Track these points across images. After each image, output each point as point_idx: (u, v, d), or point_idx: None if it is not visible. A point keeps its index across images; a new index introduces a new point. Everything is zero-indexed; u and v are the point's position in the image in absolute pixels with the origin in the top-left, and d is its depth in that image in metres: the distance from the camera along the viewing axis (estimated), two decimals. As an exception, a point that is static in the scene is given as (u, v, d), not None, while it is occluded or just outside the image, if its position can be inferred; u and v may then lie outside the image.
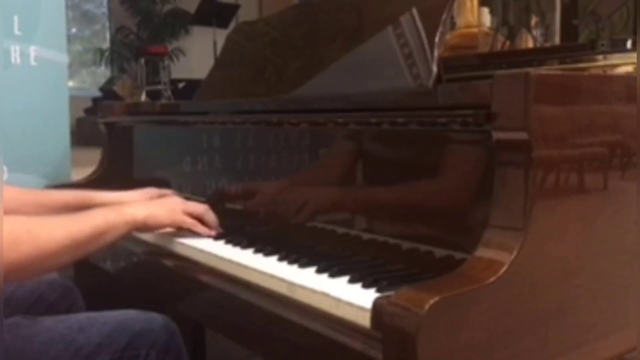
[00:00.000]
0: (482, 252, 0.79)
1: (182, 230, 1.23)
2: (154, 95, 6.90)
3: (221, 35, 4.74)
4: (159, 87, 7.05)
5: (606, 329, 0.90)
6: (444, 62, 1.09)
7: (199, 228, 1.21)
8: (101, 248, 1.09)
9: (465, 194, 0.92)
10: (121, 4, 8.26)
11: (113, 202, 1.27)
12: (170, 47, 7.99)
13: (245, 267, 1.02)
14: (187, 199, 1.35)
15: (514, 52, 1.97)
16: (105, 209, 1.14)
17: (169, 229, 1.24)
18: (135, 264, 1.35)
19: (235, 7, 6.47)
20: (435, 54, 1.07)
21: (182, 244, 1.20)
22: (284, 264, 1.01)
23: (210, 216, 1.23)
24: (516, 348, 0.78)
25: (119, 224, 1.10)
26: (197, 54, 7.67)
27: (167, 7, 8.35)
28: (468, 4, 2.12)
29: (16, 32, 1.76)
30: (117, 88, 7.28)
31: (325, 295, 0.86)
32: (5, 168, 1.69)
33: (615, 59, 1.47)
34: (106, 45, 8.52)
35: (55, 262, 1.01)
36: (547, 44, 2.06)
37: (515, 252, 0.76)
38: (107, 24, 8.62)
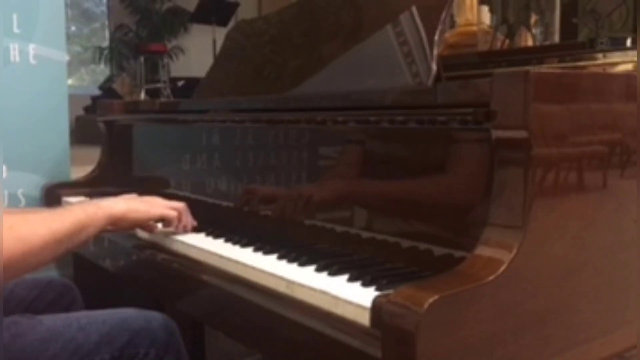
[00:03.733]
0: (482, 251, 0.79)
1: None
2: (153, 94, 6.90)
3: (220, 33, 4.75)
4: (158, 85, 7.05)
5: (606, 327, 0.90)
6: (443, 61, 1.09)
7: (177, 221, 1.22)
8: (81, 243, 1.08)
9: (465, 192, 0.92)
10: (120, 2, 8.24)
11: None
12: (169, 45, 7.98)
13: (245, 266, 1.02)
14: (186, 197, 1.35)
15: (513, 50, 1.97)
16: (84, 203, 1.14)
17: (168, 228, 1.24)
18: (134, 263, 1.35)
19: (234, 5, 6.46)
20: (435, 52, 1.07)
21: (182, 242, 1.20)
22: (284, 262, 1.01)
23: (188, 214, 1.25)
24: (515, 346, 0.78)
25: (99, 217, 1.10)
26: (196, 52, 7.67)
27: (166, 5, 8.34)
28: (468, 2, 2.12)
29: (15, 30, 1.75)
30: (116, 86, 7.28)
31: (324, 293, 0.86)
32: (4, 166, 1.69)
33: (614, 57, 1.47)
34: (105, 43, 8.50)
35: (38, 259, 1.00)
36: (547, 42, 2.06)
37: (514, 251, 0.76)
38: (107, 22, 8.61)
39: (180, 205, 1.24)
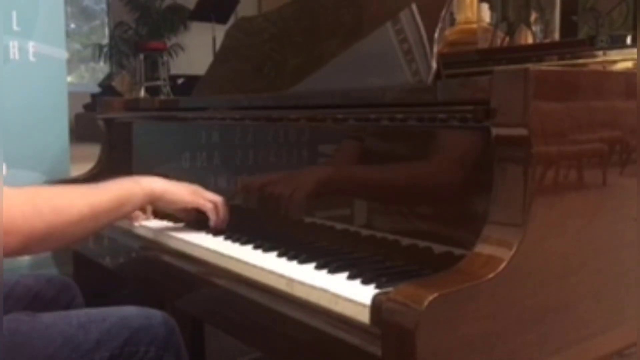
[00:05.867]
0: (481, 248, 0.79)
1: (184, 225, 1.24)
2: (152, 91, 6.89)
3: (220, 31, 4.73)
4: (158, 83, 7.04)
5: (605, 325, 0.90)
6: (443, 58, 1.09)
7: (215, 214, 1.21)
8: (120, 218, 1.12)
9: (464, 190, 0.92)
10: (120, -1, 8.25)
11: None
12: (169, 43, 7.98)
13: (245, 263, 1.02)
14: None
15: (513, 48, 1.96)
16: (123, 179, 1.15)
17: (170, 224, 1.24)
18: (134, 260, 1.35)
19: (234, 3, 6.45)
20: (435, 49, 1.07)
21: (182, 240, 1.20)
22: (284, 259, 1.01)
23: (224, 209, 1.24)
24: (515, 344, 0.78)
25: (137, 194, 1.12)
26: (196, 50, 7.65)
27: (166, 2, 8.33)
28: (468, 0, 2.12)
29: (15, 27, 1.75)
30: (115, 84, 7.26)
31: (324, 291, 0.86)
32: (4, 164, 1.69)
33: (614, 55, 1.47)
34: (105, 41, 8.49)
35: (77, 230, 1.02)
36: (547, 40, 2.06)
37: (514, 249, 0.76)
38: (106, 20, 8.60)
39: (218, 199, 1.23)
